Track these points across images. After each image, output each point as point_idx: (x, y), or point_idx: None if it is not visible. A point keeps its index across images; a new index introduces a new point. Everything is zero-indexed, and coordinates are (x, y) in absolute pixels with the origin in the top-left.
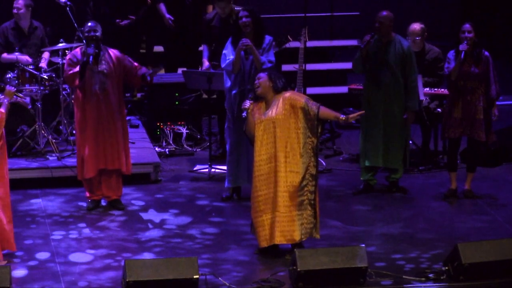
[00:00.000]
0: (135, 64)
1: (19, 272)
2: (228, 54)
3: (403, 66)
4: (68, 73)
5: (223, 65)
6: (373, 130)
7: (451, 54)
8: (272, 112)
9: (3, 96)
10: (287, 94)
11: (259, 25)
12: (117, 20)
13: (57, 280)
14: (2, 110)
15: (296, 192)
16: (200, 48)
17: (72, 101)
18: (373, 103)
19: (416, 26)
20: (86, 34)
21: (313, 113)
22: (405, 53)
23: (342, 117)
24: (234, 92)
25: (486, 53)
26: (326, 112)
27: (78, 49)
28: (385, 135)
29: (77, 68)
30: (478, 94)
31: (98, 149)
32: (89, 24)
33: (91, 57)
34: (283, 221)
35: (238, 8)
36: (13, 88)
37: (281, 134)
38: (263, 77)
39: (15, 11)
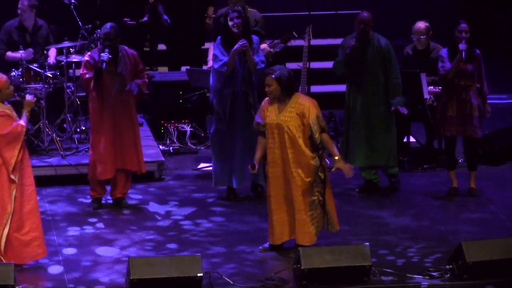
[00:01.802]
0: (145, 76)
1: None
2: (220, 55)
3: (382, 63)
4: (83, 78)
5: (216, 66)
6: (354, 131)
7: (444, 52)
8: (284, 115)
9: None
10: (304, 101)
11: (248, 26)
12: (125, 19)
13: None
14: (23, 123)
15: (307, 192)
16: (205, 46)
17: (77, 99)
18: (353, 103)
19: (421, 25)
20: (101, 40)
21: (314, 138)
22: (383, 50)
23: (337, 157)
24: (225, 92)
25: (477, 50)
26: (327, 143)
27: (96, 50)
28: (366, 134)
29: (92, 73)
30: (471, 91)
31: (116, 150)
32: (106, 30)
33: (104, 63)
34: (296, 220)
35: (250, 9)
36: (32, 97)
37: (290, 137)
38: (272, 84)
39: (19, 11)
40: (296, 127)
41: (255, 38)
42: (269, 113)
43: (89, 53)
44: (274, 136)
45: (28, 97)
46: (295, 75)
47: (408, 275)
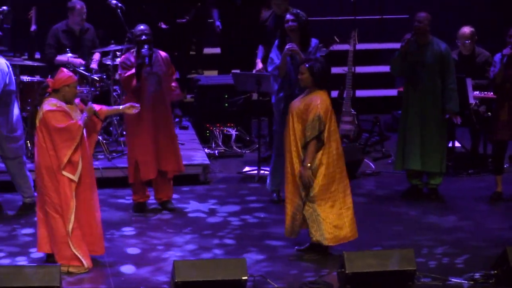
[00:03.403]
0: (174, 79)
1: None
2: (275, 58)
3: (441, 67)
4: (124, 76)
5: (269, 69)
6: (410, 133)
7: (497, 57)
8: (299, 102)
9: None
10: (318, 98)
11: (305, 29)
12: (159, 24)
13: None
14: (80, 123)
15: (296, 184)
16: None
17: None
18: (410, 105)
19: (466, 30)
20: (137, 38)
21: (306, 134)
22: (442, 54)
23: (305, 165)
24: (280, 96)
25: None
26: (308, 151)
27: (128, 54)
28: (422, 138)
29: (133, 70)
30: None
31: (156, 151)
32: (140, 27)
33: (146, 58)
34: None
35: (296, 11)
36: (94, 106)
37: (294, 127)
38: (305, 73)
39: (83, 16)
40: (300, 114)
41: (313, 41)
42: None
43: (122, 56)
44: (288, 118)
45: (90, 104)
46: (329, 72)
47: (451, 279)
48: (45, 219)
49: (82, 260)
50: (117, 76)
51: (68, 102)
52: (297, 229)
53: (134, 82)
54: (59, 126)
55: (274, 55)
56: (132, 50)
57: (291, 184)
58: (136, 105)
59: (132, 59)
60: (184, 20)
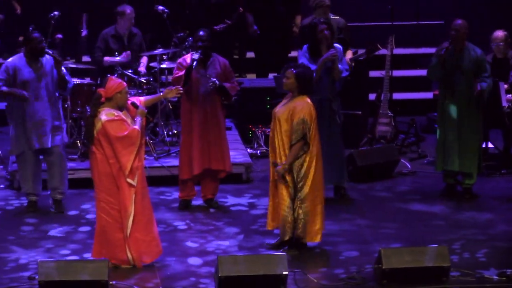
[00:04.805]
0: (235, 82)
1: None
2: (307, 63)
3: (477, 72)
4: (174, 76)
5: None
6: (449, 135)
7: None
8: (283, 109)
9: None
10: (302, 103)
11: (334, 36)
12: (214, 27)
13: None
14: (138, 127)
15: (291, 189)
16: (291, 54)
17: (169, 104)
18: (449, 108)
19: (500, 33)
20: (194, 44)
21: (292, 137)
22: (479, 58)
23: (282, 167)
24: (312, 99)
25: None
26: (292, 151)
27: (187, 55)
28: (460, 139)
29: (183, 72)
30: None
31: (203, 149)
32: (199, 33)
33: (195, 62)
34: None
35: (334, 17)
36: (133, 98)
37: (280, 131)
38: (290, 78)
39: (132, 21)
40: (285, 120)
41: (338, 47)
42: (282, 101)
43: (182, 57)
44: (272, 123)
45: (142, 107)
46: (313, 80)
47: (485, 275)
48: (99, 225)
49: (134, 264)
50: (170, 79)
51: (122, 108)
52: (290, 230)
53: (182, 83)
54: (120, 135)
55: (305, 60)
56: (191, 52)
57: (284, 188)
58: (180, 89)
59: (189, 61)
60: (223, 25)
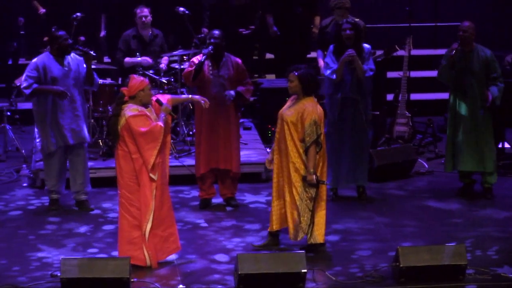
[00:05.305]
0: (249, 83)
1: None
2: (330, 62)
3: (487, 72)
4: (185, 71)
5: (326, 74)
6: (461, 136)
7: None
8: (290, 109)
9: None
10: (310, 105)
11: (360, 36)
12: (240, 30)
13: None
14: (161, 124)
15: (301, 188)
16: (310, 55)
17: (189, 104)
18: (460, 109)
19: None
20: (207, 41)
21: (305, 140)
22: (488, 59)
23: (311, 175)
24: (335, 98)
25: None
26: (309, 157)
27: (201, 54)
28: (474, 141)
29: (193, 68)
30: None
31: (212, 149)
32: (212, 31)
33: (204, 56)
34: (286, 211)
35: (352, 19)
36: (159, 96)
37: (289, 130)
38: (294, 81)
39: (143, 19)
40: (295, 123)
41: (366, 47)
42: (285, 104)
43: (195, 56)
44: (279, 125)
45: (166, 104)
46: (317, 79)
47: (502, 274)
48: (119, 222)
49: (149, 261)
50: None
51: (146, 105)
52: (301, 230)
53: (191, 78)
54: (143, 130)
55: (330, 60)
56: (203, 51)
57: (294, 190)
58: (207, 101)
59: (199, 59)
60: (249, 31)
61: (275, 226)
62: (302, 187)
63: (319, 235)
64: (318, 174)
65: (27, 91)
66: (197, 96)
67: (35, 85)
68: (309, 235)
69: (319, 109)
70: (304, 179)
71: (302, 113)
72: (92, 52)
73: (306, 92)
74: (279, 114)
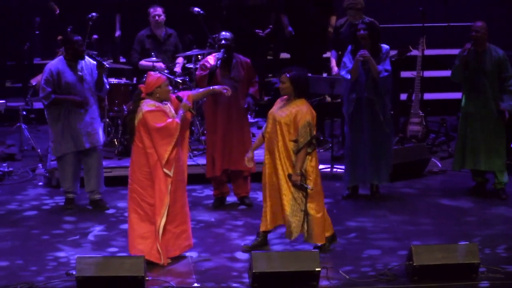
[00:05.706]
0: (256, 82)
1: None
2: (347, 62)
3: (499, 72)
4: (198, 76)
5: (341, 73)
6: (472, 136)
7: None
8: (282, 110)
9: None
10: (304, 107)
11: (377, 36)
12: (257, 31)
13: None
14: (178, 120)
15: (293, 188)
16: (326, 55)
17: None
18: (472, 110)
19: None
20: (218, 43)
21: (299, 141)
22: (500, 59)
23: (297, 176)
24: (351, 98)
25: None
26: (298, 157)
27: (209, 56)
28: (485, 140)
29: (207, 72)
30: None
31: (225, 151)
32: (222, 33)
33: (219, 61)
34: (281, 211)
35: (368, 19)
36: (189, 103)
37: (282, 134)
38: (285, 82)
39: (156, 18)
40: (288, 124)
41: (384, 47)
42: (276, 105)
43: (204, 58)
44: (270, 125)
45: (185, 101)
46: (309, 81)
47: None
48: (129, 217)
49: (161, 257)
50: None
51: (164, 101)
52: (295, 231)
53: (205, 83)
54: (158, 126)
55: (347, 59)
56: (212, 54)
57: (289, 192)
58: (229, 89)
59: (212, 62)
60: (264, 32)
61: (269, 226)
62: (294, 187)
63: (317, 236)
64: (312, 177)
65: (46, 102)
66: (217, 86)
67: (53, 95)
68: (306, 235)
69: (312, 110)
70: (289, 177)
71: (295, 114)
72: (106, 64)
73: (298, 93)
74: (269, 114)
